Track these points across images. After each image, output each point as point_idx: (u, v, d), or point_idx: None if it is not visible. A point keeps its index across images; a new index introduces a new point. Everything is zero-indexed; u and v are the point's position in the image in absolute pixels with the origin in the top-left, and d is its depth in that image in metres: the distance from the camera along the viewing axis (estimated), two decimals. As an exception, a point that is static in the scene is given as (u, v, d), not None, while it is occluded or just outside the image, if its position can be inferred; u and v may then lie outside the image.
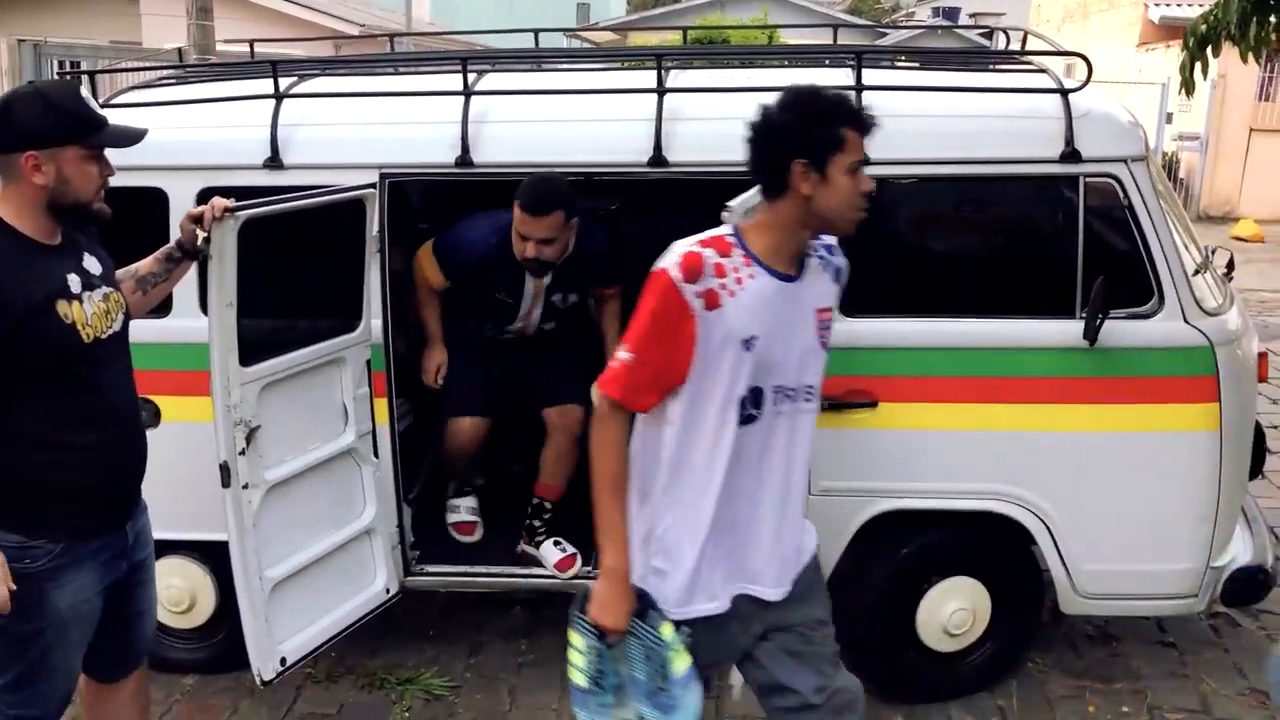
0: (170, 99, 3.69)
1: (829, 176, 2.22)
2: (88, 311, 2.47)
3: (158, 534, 2.80)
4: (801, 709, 2.45)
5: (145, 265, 2.78)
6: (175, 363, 3.42)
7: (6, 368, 2.37)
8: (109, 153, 2.51)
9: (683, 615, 2.36)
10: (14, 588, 2.37)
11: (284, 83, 3.54)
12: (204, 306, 3.18)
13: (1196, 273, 3.45)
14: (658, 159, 3.34)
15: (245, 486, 3.06)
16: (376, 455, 3.52)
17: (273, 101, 3.47)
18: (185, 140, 3.52)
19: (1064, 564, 3.42)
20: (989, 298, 3.39)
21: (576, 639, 2.39)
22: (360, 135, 3.53)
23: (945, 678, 3.65)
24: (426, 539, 3.91)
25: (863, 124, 2.26)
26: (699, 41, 10.49)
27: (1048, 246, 3.46)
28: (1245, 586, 3.49)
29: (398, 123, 3.57)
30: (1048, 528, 3.39)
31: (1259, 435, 3.65)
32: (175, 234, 2.85)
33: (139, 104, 3.59)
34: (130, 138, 2.59)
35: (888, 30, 21.55)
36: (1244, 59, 4.87)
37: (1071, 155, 3.24)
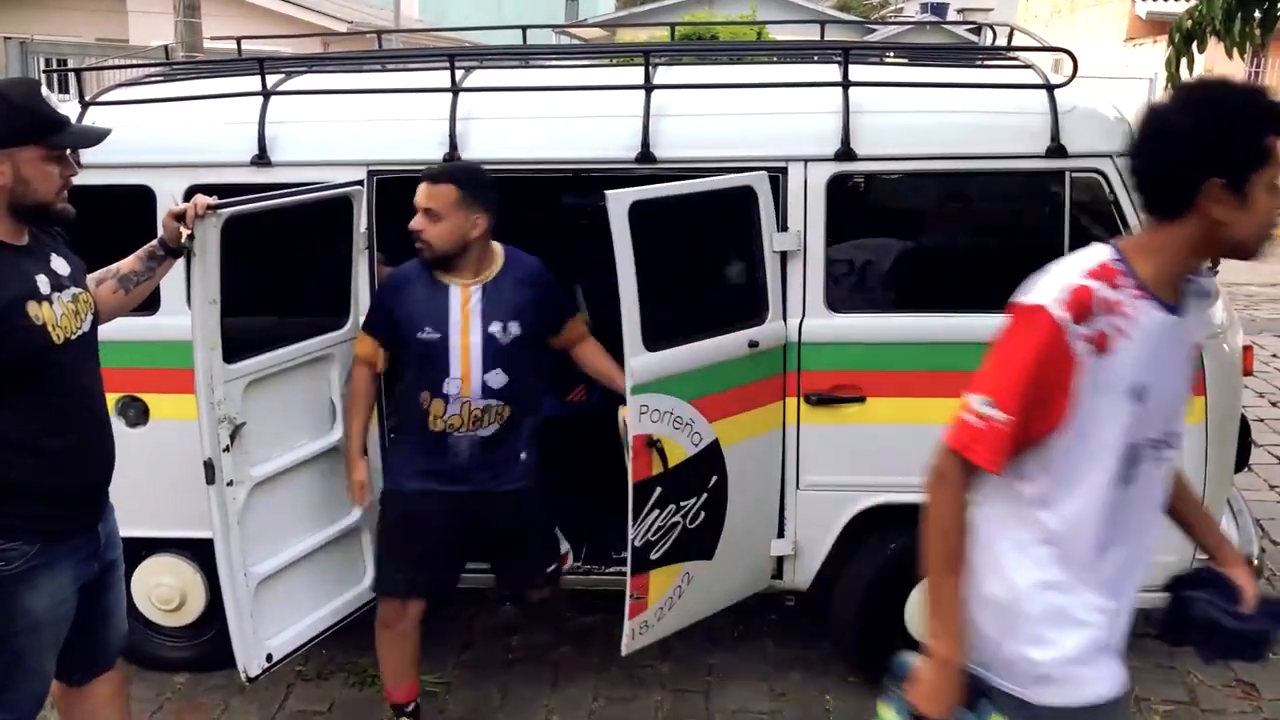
0: (157, 96, 3.68)
1: (1249, 197, 1.78)
2: (57, 312, 2.43)
3: (148, 532, 2.79)
4: None
5: (127, 264, 2.75)
6: (163, 360, 3.41)
7: None
8: (84, 153, 2.46)
9: (1077, 702, 1.97)
10: None
11: (271, 80, 3.53)
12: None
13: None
14: (645, 155, 3.35)
15: (230, 484, 3.06)
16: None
17: (260, 99, 3.47)
18: (172, 138, 3.52)
19: (1051, 557, 3.42)
20: (975, 292, 3.40)
21: (889, 715, 2.11)
22: (348, 132, 3.53)
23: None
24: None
25: None
26: (687, 38, 10.48)
27: (1034, 241, 3.47)
28: (1231, 579, 3.51)
29: (385, 120, 3.57)
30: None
31: (1244, 428, 3.66)
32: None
33: (126, 101, 3.58)
34: (92, 138, 2.57)
35: (876, 26, 21.56)
36: (1229, 54, 4.87)
37: (1057, 150, 3.25)
